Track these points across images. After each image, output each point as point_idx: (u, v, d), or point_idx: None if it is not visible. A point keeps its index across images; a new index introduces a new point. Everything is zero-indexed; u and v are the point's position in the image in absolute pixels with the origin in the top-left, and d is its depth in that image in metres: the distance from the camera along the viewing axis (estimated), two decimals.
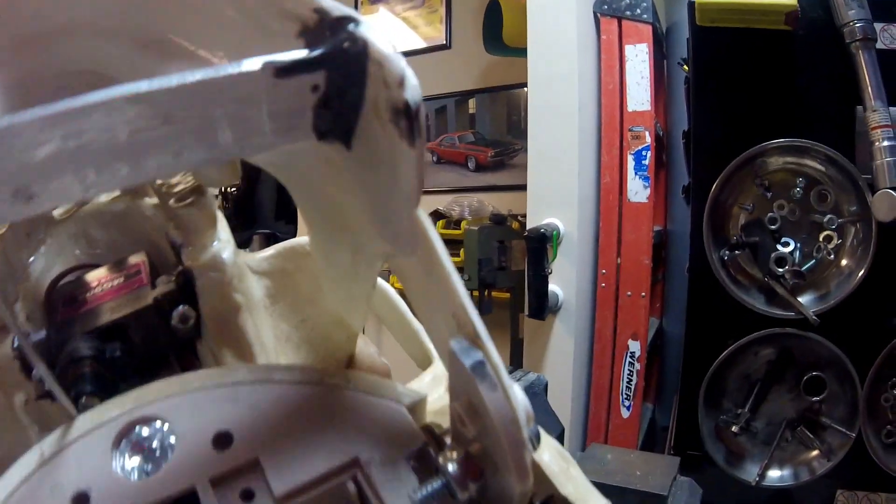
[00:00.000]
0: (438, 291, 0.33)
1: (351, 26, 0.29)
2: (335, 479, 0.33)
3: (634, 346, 2.02)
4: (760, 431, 1.62)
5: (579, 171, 1.99)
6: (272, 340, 0.56)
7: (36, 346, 0.48)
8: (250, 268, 0.59)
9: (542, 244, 1.91)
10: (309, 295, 0.59)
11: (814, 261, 1.54)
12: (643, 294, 2.01)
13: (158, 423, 0.35)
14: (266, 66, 0.28)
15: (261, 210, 1.25)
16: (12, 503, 0.32)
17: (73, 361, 0.45)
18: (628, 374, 2.03)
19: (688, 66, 1.77)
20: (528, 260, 1.94)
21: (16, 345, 0.48)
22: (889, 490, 1.54)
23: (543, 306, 1.94)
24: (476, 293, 2.40)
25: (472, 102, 3.42)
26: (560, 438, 1.21)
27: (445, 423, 0.37)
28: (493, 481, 0.33)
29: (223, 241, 0.55)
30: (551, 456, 0.37)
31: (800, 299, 1.53)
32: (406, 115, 0.28)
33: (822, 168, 1.52)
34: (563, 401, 1.98)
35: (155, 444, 0.35)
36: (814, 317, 1.49)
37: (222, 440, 0.34)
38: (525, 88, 2.19)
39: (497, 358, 0.31)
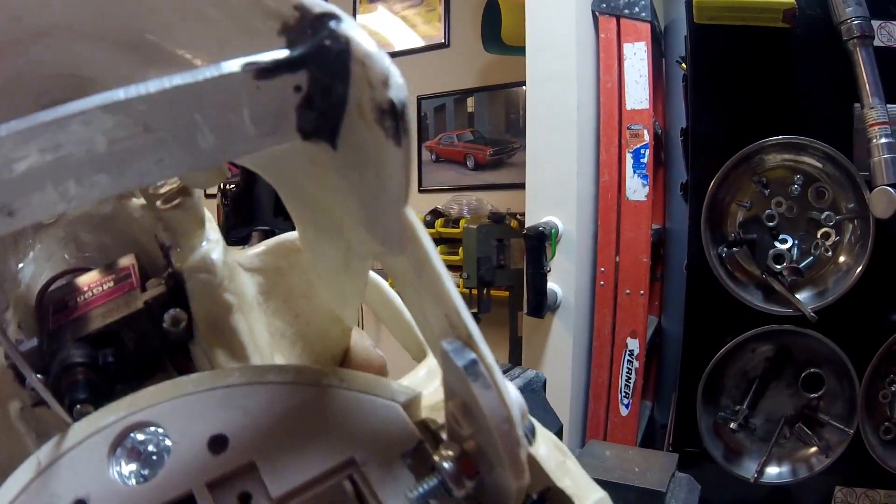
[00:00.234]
0: (430, 291, 0.33)
1: (332, 23, 0.28)
2: (331, 480, 0.33)
3: (633, 344, 2.03)
4: (759, 428, 1.62)
5: (578, 169, 1.99)
6: (266, 338, 0.56)
7: (28, 355, 0.48)
8: (242, 265, 0.58)
9: (540, 242, 1.91)
10: (302, 290, 0.59)
11: (812, 258, 1.54)
12: (642, 292, 2.01)
13: (153, 429, 0.35)
14: (246, 67, 0.27)
15: (260, 207, 1.25)
16: None
17: (66, 369, 0.45)
18: (627, 372, 2.03)
19: (686, 64, 1.77)
20: (526, 258, 1.94)
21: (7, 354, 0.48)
22: (887, 487, 1.54)
23: (542, 304, 1.94)
24: (475, 291, 2.40)
25: (470, 101, 3.43)
26: (559, 435, 1.21)
27: (441, 417, 0.37)
28: (490, 478, 0.33)
29: (212, 241, 0.54)
30: (548, 449, 0.38)
31: (798, 296, 1.53)
32: (392, 114, 0.27)
33: (820, 165, 1.52)
34: (562, 398, 1.99)
35: (151, 448, 0.35)
36: (812, 313, 1.49)
37: (218, 443, 0.34)
38: (524, 87, 2.19)
39: (490, 357, 0.31)
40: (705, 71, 1.65)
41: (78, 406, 0.43)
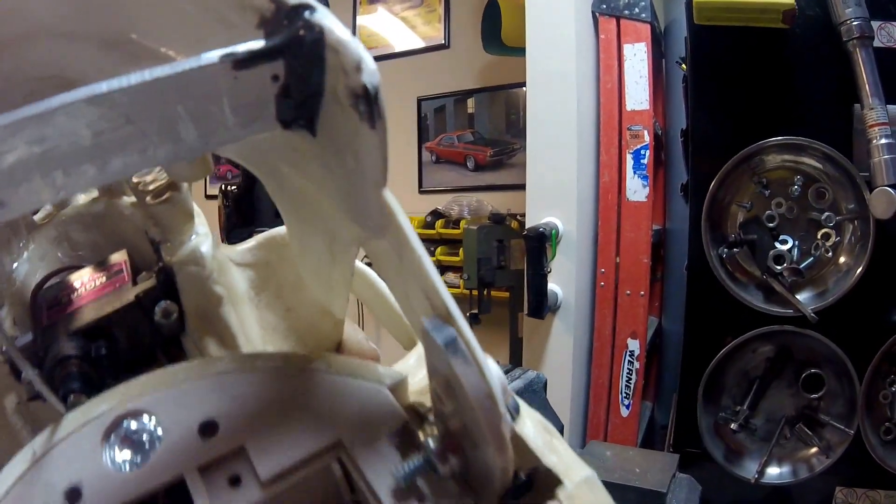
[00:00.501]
0: (410, 271, 0.33)
1: (306, 13, 0.29)
2: (319, 461, 0.34)
3: (634, 345, 2.03)
4: (759, 428, 1.62)
5: (578, 170, 1.99)
6: (258, 331, 0.57)
7: (23, 350, 0.49)
8: (232, 260, 0.59)
9: (541, 243, 1.91)
10: (292, 284, 0.60)
11: (812, 258, 1.54)
12: (642, 293, 2.01)
13: (145, 417, 0.36)
14: (224, 58, 0.28)
15: (260, 208, 1.26)
16: (6, 503, 0.32)
17: (60, 361, 0.46)
18: (627, 373, 2.03)
19: (686, 64, 1.78)
20: (527, 259, 1.94)
21: (3, 349, 0.49)
22: (888, 487, 1.55)
23: (543, 305, 1.94)
24: (475, 292, 2.40)
25: (470, 102, 3.43)
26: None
27: (429, 401, 0.38)
28: (475, 456, 0.33)
29: (201, 235, 0.55)
30: (534, 427, 0.38)
31: (798, 297, 1.53)
32: (365, 99, 0.28)
33: (820, 166, 1.52)
34: (563, 399, 1.99)
35: (143, 436, 0.36)
36: (812, 314, 1.49)
37: (208, 429, 0.35)
38: (524, 88, 2.19)
39: (470, 334, 0.32)
40: (705, 72, 1.65)
41: (71, 396, 0.44)
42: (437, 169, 3.52)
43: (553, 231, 1.97)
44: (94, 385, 0.45)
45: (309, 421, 0.35)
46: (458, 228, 3.02)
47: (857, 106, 1.44)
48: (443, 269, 3.12)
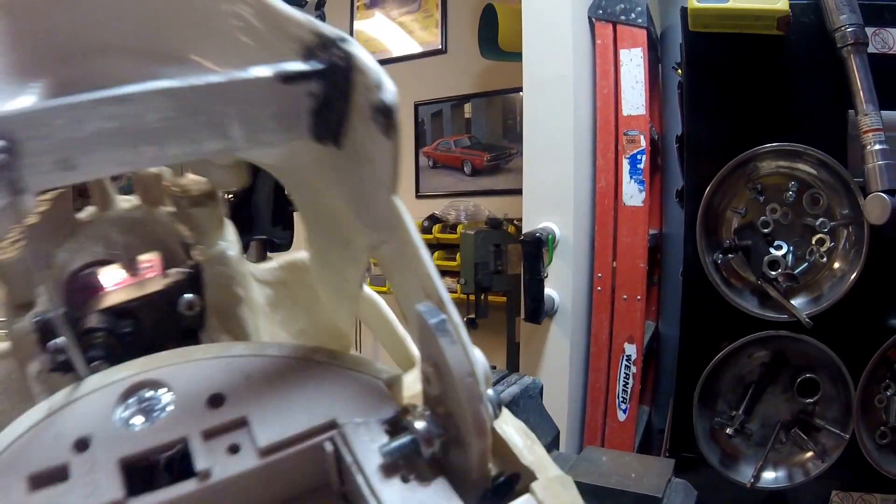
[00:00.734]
0: (410, 265, 0.36)
1: (342, 44, 0.35)
2: (314, 438, 0.37)
3: (630, 350, 2.03)
4: (755, 433, 1.63)
5: (575, 175, 2.00)
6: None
7: (55, 320, 0.52)
8: (253, 276, 0.64)
9: (537, 248, 1.92)
10: (307, 307, 0.64)
11: (806, 264, 1.55)
12: (639, 297, 2.02)
13: (160, 388, 0.39)
14: (276, 72, 0.34)
15: (258, 216, 1.26)
16: (16, 447, 0.35)
17: (88, 332, 0.51)
18: (624, 378, 2.04)
19: (681, 70, 1.78)
20: (524, 264, 1.95)
21: (35, 318, 0.53)
22: (884, 491, 1.55)
23: (539, 310, 1.95)
24: (472, 297, 2.41)
25: (467, 107, 3.44)
26: (556, 441, 1.22)
27: (420, 403, 0.40)
28: (456, 444, 0.35)
29: (230, 241, 0.60)
30: (516, 430, 0.40)
31: (793, 302, 1.54)
32: (383, 112, 0.33)
33: (815, 172, 1.53)
34: (560, 404, 1.99)
35: (155, 403, 0.39)
36: (807, 319, 1.50)
37: (216, 401, 0.38)
38: (520, 93, 2.20)
39: (458, 319, 0.35)
40: (700, 78, 1.66)
41: (94, 363, 0.48)
42: (434, 174, 3.53)
43: (550, 236, 1.97)
44: (116, 359, 0.48)
45: (309, 402, 0.39)
46: (456, 233, 3.02)
47: (851, 112, 1.44)
48: (440, 273, 3.12)
